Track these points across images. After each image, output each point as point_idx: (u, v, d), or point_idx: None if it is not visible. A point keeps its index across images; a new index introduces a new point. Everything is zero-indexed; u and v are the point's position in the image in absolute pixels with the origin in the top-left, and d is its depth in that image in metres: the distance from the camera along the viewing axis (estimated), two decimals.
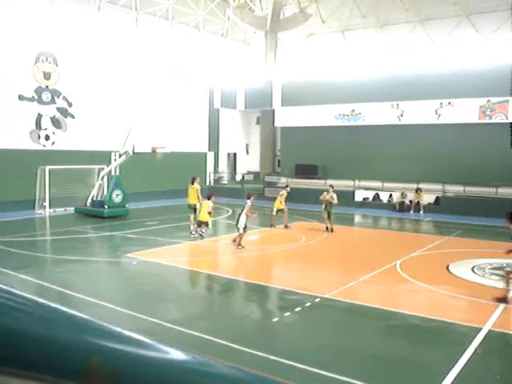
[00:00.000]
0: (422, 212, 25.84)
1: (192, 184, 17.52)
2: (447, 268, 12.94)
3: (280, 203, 19.65)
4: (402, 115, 28.40)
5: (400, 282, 11.70)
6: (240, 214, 15.58)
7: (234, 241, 15.57)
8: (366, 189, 28.67)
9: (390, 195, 27.63)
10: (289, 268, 13.60)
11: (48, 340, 0.93)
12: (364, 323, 9.07)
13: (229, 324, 8.80)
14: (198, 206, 17.04)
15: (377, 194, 28.23)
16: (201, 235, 16.72)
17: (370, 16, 30.33)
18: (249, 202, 15.81)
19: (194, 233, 17.13)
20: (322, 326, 8.94)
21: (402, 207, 26.37)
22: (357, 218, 25.28)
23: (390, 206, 27.15)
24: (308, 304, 9.72)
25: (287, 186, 20.90)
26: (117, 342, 0.95)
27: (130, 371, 0.92)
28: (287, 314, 9.21)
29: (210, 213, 16.36)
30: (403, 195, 26.74)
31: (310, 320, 9.20)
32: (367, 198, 28.39)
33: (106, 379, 0.91)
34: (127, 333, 0.97)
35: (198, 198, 17.20)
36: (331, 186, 20.01)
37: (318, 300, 9.99)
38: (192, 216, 17.42)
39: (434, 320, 8.95)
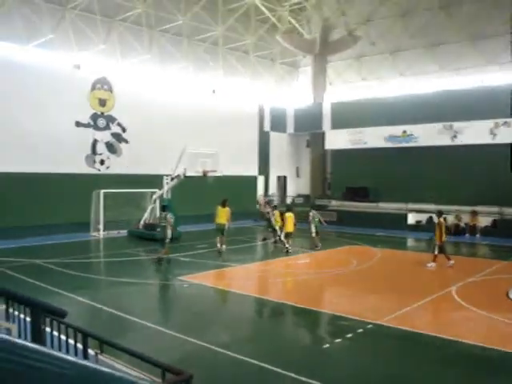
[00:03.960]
0: (478, 235, 24.98)
1: (223, 207, 19.00)
2: (507, 294, 12.38)
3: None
4: (455, 136, 27.77)
5: (457, 308, 11.25)
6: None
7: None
8: (418, 211, 27.96)
9: (445, 218, 26.80)
10: (340, 293, 13.33)
11: None
12: (419, 352, 8.72)
13: (278, 349, 8.66)
14: (226, 227, 18.86)
15: (430, 216, 27.48)
16: (288, 251, 18.78)
17: (420, 37, 29.96)
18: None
19: (221, 250, 18.80)
20: (375, 353, 8.65)
21: (457, 230, 25.54)
22: (409, 242, 24.66)
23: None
24: (360, 330, 9.48)
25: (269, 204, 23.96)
26: None
27: None
28: (338, 340, 9.00)
29: (295, 224, 19.50)
30: (458, 218, 25.93)
31: (363, 347, 8.93)
32: (420, 221, 27.68)
33: None
34: None
35: (228, 219, 18.90)
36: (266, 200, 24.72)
37: (370, 326, 9.72)
38: (219, 237, 18.98)
39: (494, 349, 8.52)
